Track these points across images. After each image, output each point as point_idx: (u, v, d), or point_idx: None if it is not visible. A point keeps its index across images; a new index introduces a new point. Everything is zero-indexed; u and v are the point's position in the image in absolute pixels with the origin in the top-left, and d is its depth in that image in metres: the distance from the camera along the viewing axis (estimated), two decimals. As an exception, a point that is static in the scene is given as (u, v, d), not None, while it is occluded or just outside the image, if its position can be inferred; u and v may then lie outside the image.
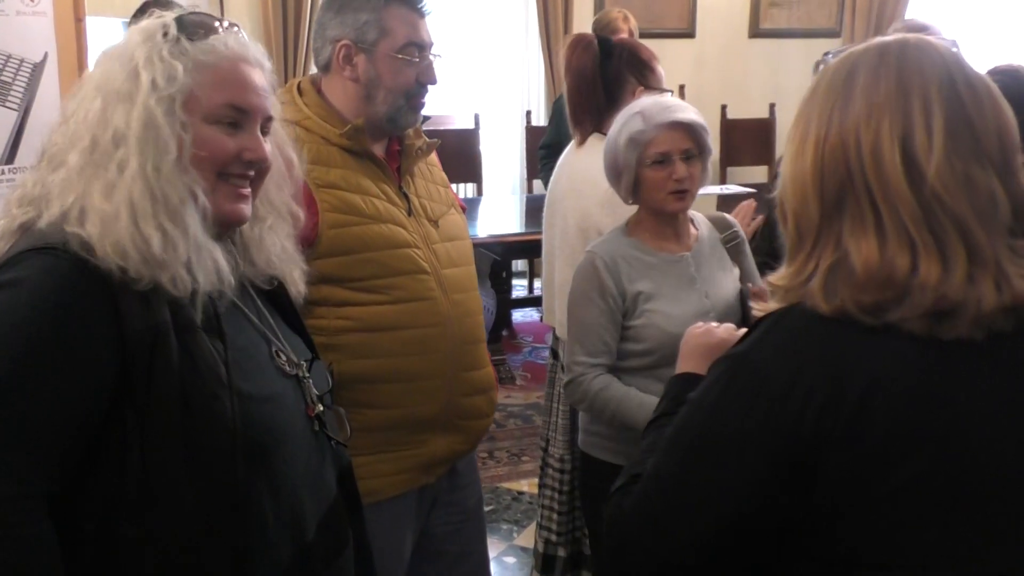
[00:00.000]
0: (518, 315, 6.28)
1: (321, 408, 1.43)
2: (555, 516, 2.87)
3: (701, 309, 2.18)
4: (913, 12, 6.92)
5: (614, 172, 2.22)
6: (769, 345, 1.08)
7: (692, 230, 2.30)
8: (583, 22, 6.58)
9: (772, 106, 6.75)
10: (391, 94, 1.92)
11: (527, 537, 3.59)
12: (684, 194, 2.16)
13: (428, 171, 2.09)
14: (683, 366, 1.42)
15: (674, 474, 1.11)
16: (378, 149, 1.98)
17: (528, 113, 6.45)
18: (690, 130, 2.16)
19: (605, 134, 2.60)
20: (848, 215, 1.05)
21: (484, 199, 6.17)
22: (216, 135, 1.31)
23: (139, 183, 1.22)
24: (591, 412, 2.21)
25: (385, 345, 1.88)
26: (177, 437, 1.20)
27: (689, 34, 6.88)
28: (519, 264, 6.60)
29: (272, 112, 1.39)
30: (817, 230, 1.07)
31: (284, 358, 1.40)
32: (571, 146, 2.78)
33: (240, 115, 1.33)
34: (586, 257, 2.22)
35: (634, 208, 2.29)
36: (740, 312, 2.23)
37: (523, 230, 5.15)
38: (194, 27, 1.32)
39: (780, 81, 6.95)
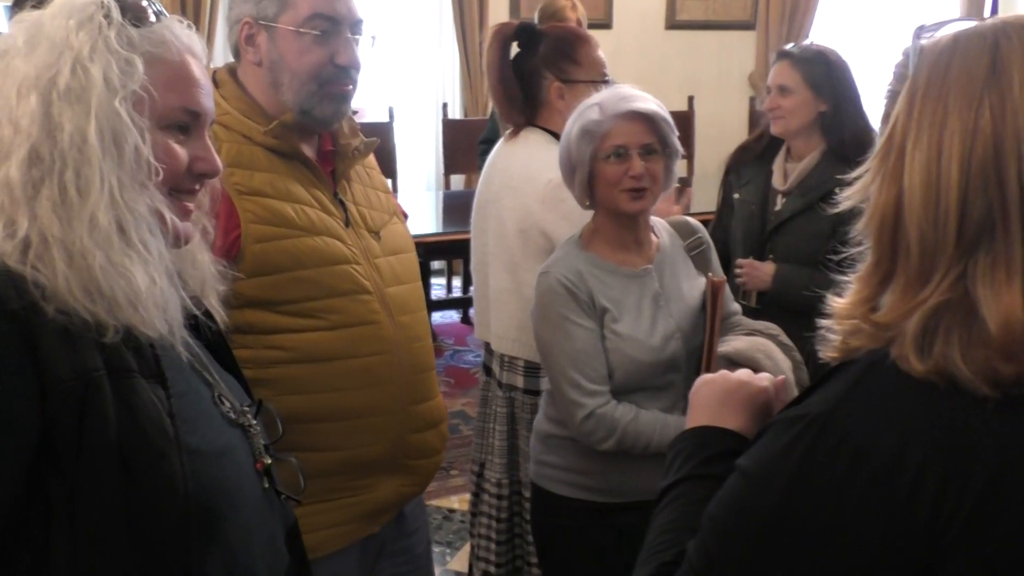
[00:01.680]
0: (437, 316, 6.04)
1: (269, 460, 1.23)
2: (493, 546, 2.62)
3: (666, 330, 1.99)
4: (825, 6, 6.92)
5: (568, 168, 2.01)
6: (858, 407, 0.86)
7: (653, 238, 2.09)
8: (499, 11, 6.36)
9: (691, 99, 6.66)
10: (297, 78, 1.65)
11: (461, 560, 3.36)
12: (642, 192, 1.95)
13: (366, 175, 1.83)
14: (698, 418, 1.17)
15: (740, 567, 0.89)
16: (308, 150, 1.72)
17: (444, 106, 6.20)
18: (651, 123, 1.95)
19: (540, 127, 2.40)
20: (985, 252, 0.83)
21: (399, 196, 5.87)
22: (169, 144, 1.11)
23: (105, 205, 1.02)
24: (621, 447, 1.95)
25: (323, 378, 1.63)
26: (117, 509, 1.01)
27: (606, 25, 6.72)
28: (435, 264, 6.34)
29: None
30: (939, 259, 0.85)
31: (228, 404, 1.20)
32: (501, 143, 2.54)
33: (192, 119, 1.14)
34: (544, 280, 1.99)
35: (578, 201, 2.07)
36: (703, 318, 2.04)
37: (441, 229, 4.90)
38: (138, 11, 1.10)
39: (697, 73, 6.87)
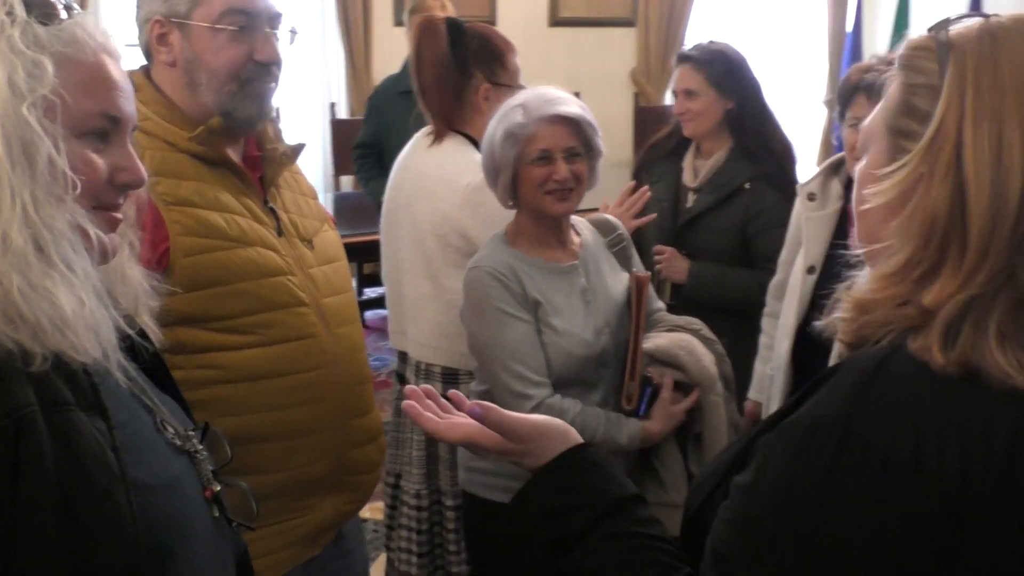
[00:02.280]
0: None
1: (218, 487, 1.15)
2: (414, 559, 2.55)
3: (597, 325, 1.99)
4: (702, 4, 7.07)
5: (491, 170, 1.98)
6: (874, 407, 0.85)
7: (575, 236, 2.08)
8: (383, 10, 6.26)
9: (576, 95, 6.69)
10: (215, 77, 1.57)
11: (377, 572, 3.27)
12: (567, 194, 1.94)
13: (294, 180, 1.75)
14: (542, 457, 1.10)
15: None
16: (234, 156, 1.63)
17: (332, 105, 6.05)
18: (575, 126, 1.94)
19: (459, 132, 2.35)
20: None
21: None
22: (86, 153, 1.00)
23: (19, 223, 0.92)
24: None
25: (262, 397, 1.55)
26: (60, 557, 0.91)
27: (490, 22, 6.68)
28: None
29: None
30: (992, 255, 0.85)
31: (172, 430, 1.11)
32: (414, 146, 2.45)
33: (111, 125, 1.03)
34: (474, 274, 1.95)
35: (502, 207, 2.04)
36: (629, 311, 2.04)
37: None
38: (45, 6, 0.98)
39: (581, 70, 6.91)
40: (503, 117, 1.95)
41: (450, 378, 2.35)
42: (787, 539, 0.86)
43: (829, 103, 7.39)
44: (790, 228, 2.38)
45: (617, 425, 1.94)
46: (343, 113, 6.13)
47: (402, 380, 2.52)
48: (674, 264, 2.70)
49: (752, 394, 2.52)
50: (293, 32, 1.63)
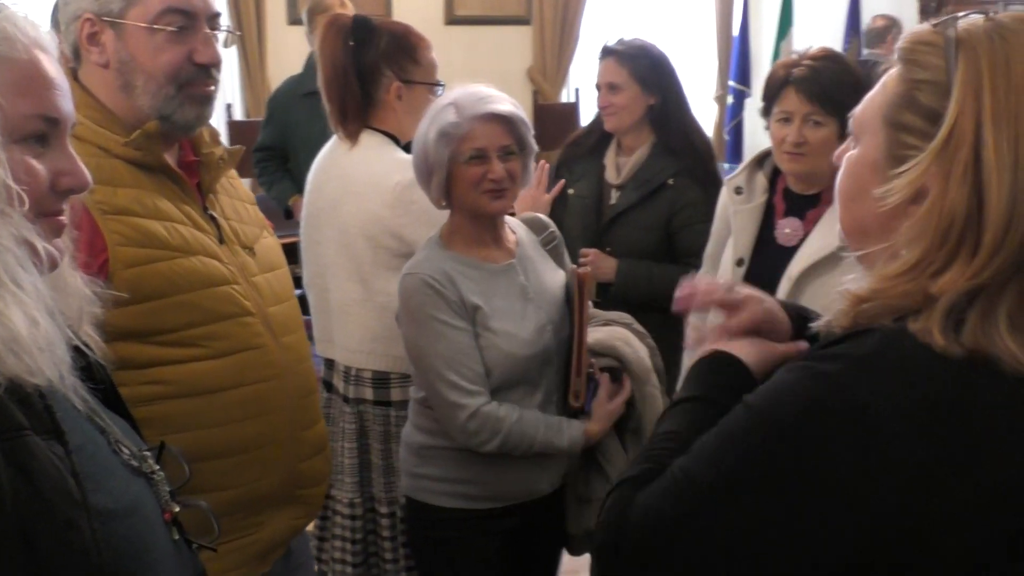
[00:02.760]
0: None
1: (177, 508, 1.10)
2: (349, 569, 2.49)
3: (538, 323, 1.98)
4: (595, 2, 7.16)
5: (424, 171, 1.94)
6: (871, 370, 0.87)
7: (510, 234, 2.07)
8: (276, 10, 6.13)
9: (475, 94, 6.69)
10: (153, 80, 1.49)
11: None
12: (502, 193, 1.92)
13: (231, 186, 1.68)
14: (725, 347, 1.15)
15: (719, 496, 0.91)
16: (170, 161, 1.55)
17: (229, 107, 5.89)
18: (509, 124, 1.93)
19: (377, 129, 2.31)
20: None
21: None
22: (27, 161, 0.93)
23: None
24: (504, 448, 1.90)
25: (210, 411, 1.49)
26: None
27: (386, 21, 6.64)
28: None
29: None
30: (1005, 251, 0.87)
31: (127, 451, 1.05)
32: (334, 147, 2.39)
33: (50, 127, 0.96)
34: (408, 280, 1.92)
35: (429, 202, 2.02)
36: (568, 310, 2.05)
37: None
38: None
39: (478, 68, 6.86)
40: (435, 116, 1.92)
41: (380, 383, 2.31)
42: (746, 454, 0.91)
43: (719, 99, 7.59)
44: (715, 222, 2.42)
45: (557, 430, 1.94)
46: (239, 114, 5.98)
47: (329, 388, 2.46)
48: (601, 264, 2.70)
49: (681, 389, 2.53)
50: (232, 32, 1.56)
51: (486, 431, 1.88)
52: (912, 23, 6.88)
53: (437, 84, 2.35)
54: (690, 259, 2.59)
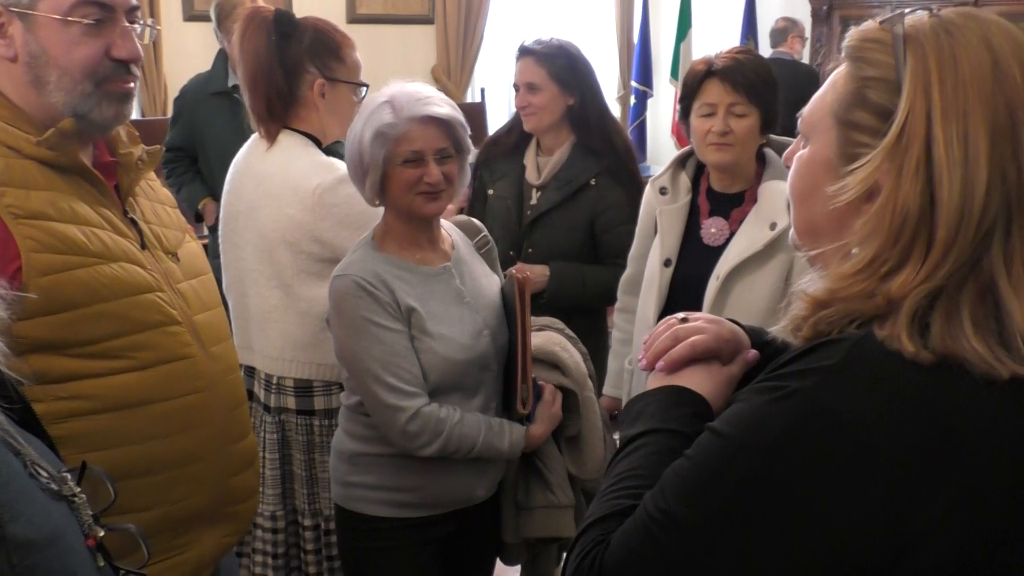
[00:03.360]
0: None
1: (101, 533, 1.02)
2: (272, 585, 2.42)
3: (475, 328, 1.93)
4: (498, 2, 7.14)
5: (358, 170, 1.88)
6: (844, 382, 0.86)
7: (445, 236, 2.03)
8: (171, 4, 5.92)
9: (380, 93, 6.60)
10: (68, 76, 1.41)
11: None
12: (438, 195, 1.88)
13: (150, 188, 1.59)
14: (670, 380, 1.10)
15: (702, 530, 0.88)
16: (85, 161, 1.46)
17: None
18: (446, 127, 1.88)
19: (296, 130, 2.23)
20: (999, 242, 0.86)
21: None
22: None
23: None
24: (445, 451, 1.85)
25: (135, 427, 1.40)
26: None
27: (287, 19, 6.49)
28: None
29: None
30: (957, 249, 0.86)
31: (46, 474, 0.97)
32: (252, 148, 2.31)
33: None
34: (340, 283, 1.85)
35: (357, 207, 1.96)
36: (504, 312, 2.02)
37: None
38: None
39: (382, 68, 6.78)
40: (371, 114, 1.86)
41: (303, 392, 2.24)
42: (729, 483, 0.88)
43: (621, 99, 7.68)
44: (640, 222, 2.42)
45: (499, 433, 1.91)
46: (135, 113, 5.75)
47: (250, 396, 2.37)
48: (532, 272, 2.67)
49: (608, 390, 2.52)
50: (151, 27, 1.48)
51: (427, 433, 1.83)
52: (805, 24, 7.11)
53: (362, 84, 2.29)
54: (615, 260, 2.59)
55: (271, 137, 2.21)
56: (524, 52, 2.73)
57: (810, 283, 0.97)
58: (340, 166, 2.09)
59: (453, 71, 7.02)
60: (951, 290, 0.86)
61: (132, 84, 1.46)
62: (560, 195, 2.67)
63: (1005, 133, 0.86)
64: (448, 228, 2.07)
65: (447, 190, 1.90)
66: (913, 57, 0.89)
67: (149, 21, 1.49)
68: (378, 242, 1.93)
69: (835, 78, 0.97)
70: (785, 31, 6.18)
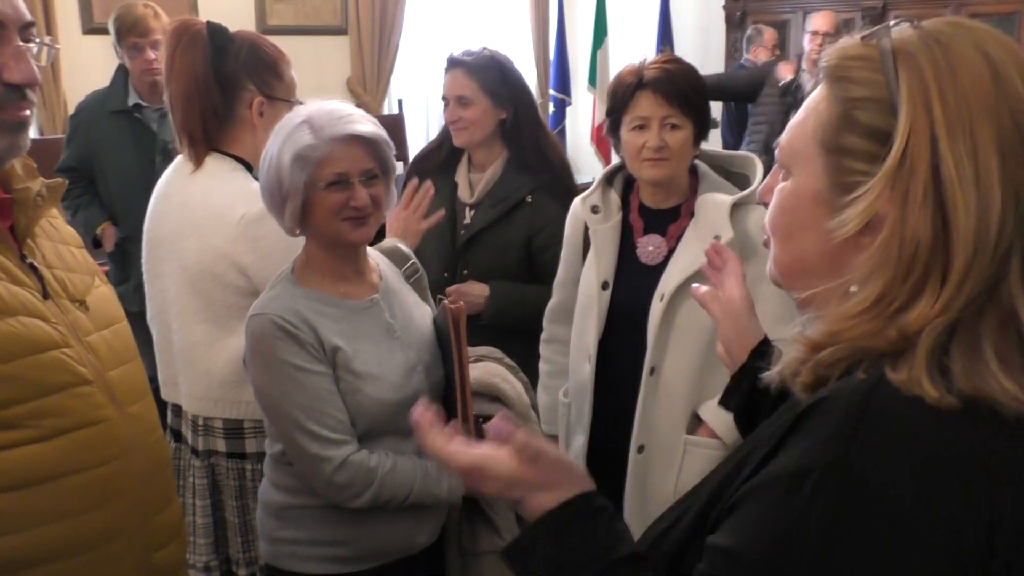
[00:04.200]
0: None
1: None
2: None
3: (407, 364, 1.79)
4: (413, 11, 7.00)
5: (276, 198, 1.72)
6: (870, 446, 0.75)
7: (372, 265, 1.88)
8: (68, 18, 5.62)
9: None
10: None
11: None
12: (365, 220, 1.73)
13: (52, 227, 1.41)
14: (556, 493, 0.93)
15: None
16: (-27, 201, 1.28)
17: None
18: (371, 146, 1.74)
19: (224, 152, 2.07)
20: (1017, 266, 0.78)
21: None
22: None
23: None
24: (377, 501, 1.70)
25: (42, 505, 1.23)
26: None
27: (193, 30, 6.23)
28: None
29: None
30: (974, 278, 0.77)
31: None
32: (176, 171, 2.13)
33: None
34: (256, 322, 1.69)
35: (285, 239, 1.80)
36: (441, 348, 1.88)
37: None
38: None
39: (298, 79, 6.62)
40: (288, 137, 1.70)
41: (233, 433, 2.07)
42: None
43: (540, 108, 7.61)
44: (565, 245, 2.29)
45: (436, 479, 1.76)
46: (32, 132, 5.43)
47: (178, 438, 2.19)
48: (470, 293, 2.53)
49: (544, 427, 2.35)
50: (48, 45, 1.30)
51: (358, 483, 1.68)
52: (720, 33, 7.15)
53: (299, 103, 2.12)
54: (553, 280, 2.47)
55: (198, 160, 2.04)
56: (453, 64, 2.59)
57: (807, 326, 0.87)
58: None
59: (369, 82, 6.84)
60: (969, 321, 0.77)
61: (28, 112, 1.29)
62: (495, 213, 2.55)
63: (1013, 147, 0.78)
64: (375, 256, 1.92)
65: (375, 214, 1.75)
66: (907, 72, 0.80)
67: (47, 39, 1.32)
68: (298, 276, 1.77)
69: (814, 102, 0.88)
70: (751, 40, 6.32)
